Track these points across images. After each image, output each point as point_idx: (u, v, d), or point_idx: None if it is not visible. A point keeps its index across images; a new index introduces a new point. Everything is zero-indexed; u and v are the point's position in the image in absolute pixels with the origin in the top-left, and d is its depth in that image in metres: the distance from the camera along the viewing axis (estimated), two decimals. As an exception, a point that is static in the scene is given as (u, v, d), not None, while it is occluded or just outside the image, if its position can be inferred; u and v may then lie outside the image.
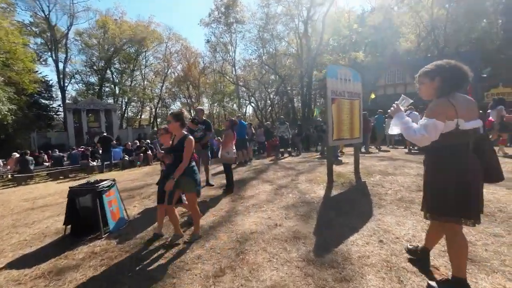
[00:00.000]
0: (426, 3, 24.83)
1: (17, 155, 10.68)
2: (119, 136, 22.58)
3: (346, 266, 2.18)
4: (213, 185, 5.49)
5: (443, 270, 1.99)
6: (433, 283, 1.82)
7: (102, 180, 3.65)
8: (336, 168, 5.72)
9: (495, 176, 1.67)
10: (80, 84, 34.12)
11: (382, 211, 3.33)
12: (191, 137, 2.79)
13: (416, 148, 8.34)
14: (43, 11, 27.06)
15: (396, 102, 1.94)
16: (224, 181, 5.08)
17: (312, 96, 29.75)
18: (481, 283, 1.83)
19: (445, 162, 1.68)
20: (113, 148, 11.71)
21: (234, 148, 4.89)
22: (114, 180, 3.79)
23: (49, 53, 28.84)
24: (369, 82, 17.43)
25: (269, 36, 29.09)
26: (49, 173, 10.79)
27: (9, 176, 10.78)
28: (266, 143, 11.28)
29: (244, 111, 37.42)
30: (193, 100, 36.81)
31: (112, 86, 33.84)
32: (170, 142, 2.99)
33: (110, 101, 31.98)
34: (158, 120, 37.30)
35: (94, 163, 11.16)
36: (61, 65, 29.39)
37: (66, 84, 30.69)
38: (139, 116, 38.81)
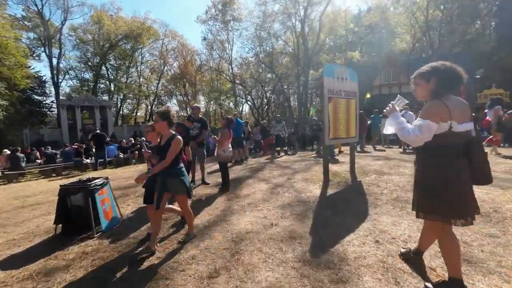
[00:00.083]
0: (422, 4, 25.01)
1: (8, 152, 10.47)
2: (114, 133, 22.31)
3: (343, 267, 2.15)
4: (208, 184, 5.43)
5: (440, 271, 1.98)
6: (429, 285, 1.81)
7: (94, 178, 3.57)
8: (332, 167, 5.71)
9: (483, 178, 1.69)
10: (75, 80, 33.59)
11: (378, 211, 3.32)
12: (179, 137, 2.66)
13: (410, 148, 8.38)
14: (36, 5, 26.54)
15: (391, 102, 1.95)
16: (220, 180, 5.03)
17: (308, 95, 29.82)
18: (478, 285, 1.82)
19: (436, 161, 1.70)
20: (108, 146, 11.56)
21: (230, 146, 4.84)
22: (107, 178, 3.71)
23: (42, 48, 28.25)
24: (364, 82, 17.50)
25: (266, 34, 29.03)
26: (41, 171, 10.59)
27: (0, 173, 10.56)
28: (262, 141, 11.26)
29: (240, 109, 37.36)
30: (189, 97, 36.51)
31: (107, 82, 33.32)
32: (158, 139, 2.84)
33: (105, 98, 31.48)
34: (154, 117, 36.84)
35: (88, 161, 10.99)
36: (54, 61, 28.84)
37: (60, 80, 30.13)
38: (134, 114, 38.34)
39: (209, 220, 3.49)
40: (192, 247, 2.73)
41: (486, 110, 7.15)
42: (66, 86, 34.49)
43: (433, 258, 2.16)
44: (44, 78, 28.78)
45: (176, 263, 2.44)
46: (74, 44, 31.16)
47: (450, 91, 1.70)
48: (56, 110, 27.99)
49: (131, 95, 35.35)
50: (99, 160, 10.52)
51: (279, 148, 10.25)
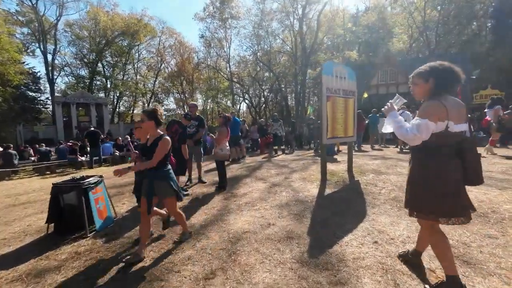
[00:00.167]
0: (419, 5, 25.11)
1: (0, 149, 10.27)
2: (110, 131, 22.05)
3: (341, 268, 2.11)
4: (205, 182, 5.37)
5: (439, 273, 1.95)
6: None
7: (88, 176, 3.49)
8: (329, 167, 5.69)
9: (476, 178, 1.71)
10: (70, 77, 33.14)
11: (376, 211, 3.30)
12: (167, 137, 2.53)
13: (407, 147, 8.41)
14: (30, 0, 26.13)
15: (390, 101, 1.96)
16: (217, 178, 4.97)
17: (305, 94, 29.79)
18: (478, 287, 1.80)
19: (430, 160, 1.72)
20: (103, 143, 11.42)
21: (227, 145, 4.79)
22: (101, 176, 3.63)
23: (37, 44, 27.86)
24: (362, 81, 17.50)
25: (264, 33, 28.94)
26: (35, 168, 10.43)
27: (-8, 170, 10.38)
28: (259, 140, 11.21)
29: (238, 108, 37.21)
30: (186, 95, 36.25)
31: (104, 79, 32.92)
32: (148, 137, 2.66)
33: (101, 95, 31.13)
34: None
35: (83, 158, 10.85)
36: (49, 57, 28.49)
37: (55, 77, 29.77)
38: (131, 111, 37.97)
39: (205, 219, 3.43)
40: (188, 247, 2.68)
41: (486, 110, 7.15)
42: (61, 82, 34.21)
43: (432, 260, 2.13)
44: (38, 74, 28.32)
45: (172, 263, 2.39)
46: (69, 40, 30.83)
47: (448, 91, 1.71)
48: (51, 107, 27.66)
49: (127, 93, 35.04)
50: (94, 158, 10.38)
51: (276, 147, 10.21)
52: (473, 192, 3.55)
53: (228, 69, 33.02)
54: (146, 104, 36.70)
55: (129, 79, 34.99)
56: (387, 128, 1.91)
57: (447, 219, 1.69)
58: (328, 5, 25.78)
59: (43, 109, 29.68)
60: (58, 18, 28.82)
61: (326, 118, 4.59)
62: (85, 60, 31.59)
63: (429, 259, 2.14)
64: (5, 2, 28.82)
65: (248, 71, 32.86)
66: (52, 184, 3.28)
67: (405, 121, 1.82)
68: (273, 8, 27.92)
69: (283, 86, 31.64)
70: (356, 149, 8.62)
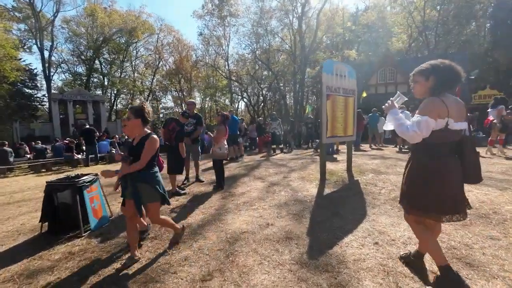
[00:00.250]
0: (419, 4, 25.09)
1: (-5, 146, 10.12)
2: (107, 129, 21.89)
3: (342, 270, 2.07)
4: (203, 181, 5.32)
5: (442, 275, 1.91)
6: (430, 289, 1.76)
7: (83, 175, 3.42)
8: (328, 166, 5.65)
9: (474, 177, 1.73)
10: (67, 74, 32.85)
11: (376, 211, 3.26)
12: (155, 136, 2.36)
13: (406, 147, 8.39)
14: (27, -5, 25.79)
15: (391, 98, 1.95)
16: (215, 177, 4.91)
17: (304, 93, 29.73)
18: (482, 290, 1.76)
19: (429, 158, 1.72)
20: (101, 141, 11.30)
21: (226, 143, 4.72)
22: (96, 174, 3.55)
23: (34, 41, 27.54)
24: (361, 80, 17.47)
25: (263, 31, 28.77)
26: (31, 166, 10.30)
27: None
28: (257, 139, 11.16)
29: (236, 106, 37.06)
30: (184, 93, 36.07)
31: (101, 77, 32.61)
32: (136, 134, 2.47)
33: (99, 92, 30.86)
34: (149, 113, 36.34)
35: (79, 156, 10.73)
36: (46, 54, 28.13)
37: (52, 74, 29.52)
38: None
39: (203, 219, 3.37)
40: (185, 247, 2.62)
41: (488, 110, 7.13)
42: (58, 79, 33.87)
43: (434, 262, 2.09)
44: (35, 71, 28.03)
45: (168, 264, 2.33)
46: (66, 37, 30.55)
47: (448, 89, 1.71)
48: (47, 104, 27.37)
49: (125, 90, 34.76)
50: (90, 156, 10.28)
51: (274, 146, 10.16)
52: (473, 193, 3.53)
53: (227, 67, 32.88)
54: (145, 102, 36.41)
55: (126, 77, 34.72)
56: (388, 125, 1.90)
57: (449, 216, 1.71)
58: (328, 3, 25.73)
59: (39, 106, 29.39)
60: (55, 14, 28.53)
61: (326, 117, 4.54)
62: (82, 57, 31.28)
63: (431, 261, 2.09)
64: (1, -2, 28.27)
65: (247, 70, 32.71)
66: (46, 182, 3.21)
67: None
68: (272, 6, 27.92)
69: (281, 84, 31.54)
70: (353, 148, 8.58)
